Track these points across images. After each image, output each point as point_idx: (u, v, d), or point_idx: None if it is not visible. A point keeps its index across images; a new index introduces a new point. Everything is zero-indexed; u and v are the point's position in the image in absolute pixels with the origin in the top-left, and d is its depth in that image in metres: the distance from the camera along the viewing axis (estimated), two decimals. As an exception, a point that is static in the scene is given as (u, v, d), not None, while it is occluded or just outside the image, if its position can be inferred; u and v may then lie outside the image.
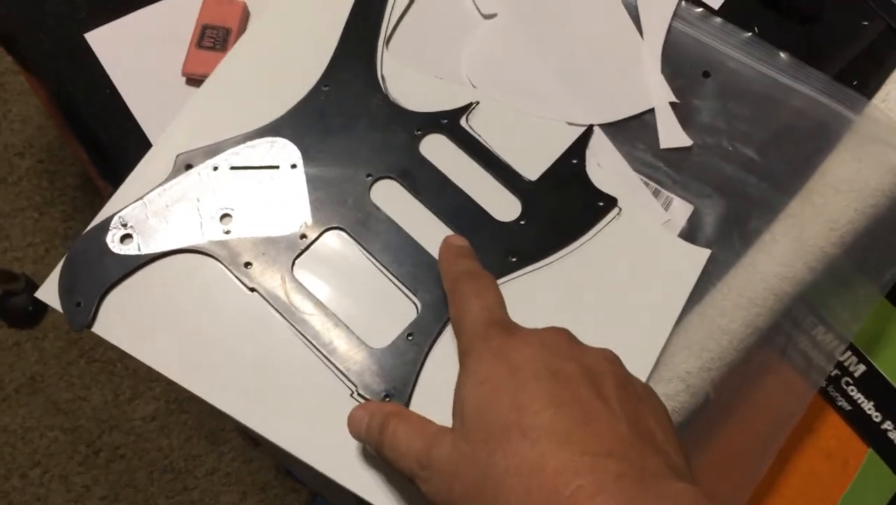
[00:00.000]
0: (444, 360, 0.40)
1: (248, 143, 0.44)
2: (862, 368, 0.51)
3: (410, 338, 0.41)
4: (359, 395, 0.39)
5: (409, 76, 0.46)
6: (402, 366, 0.40)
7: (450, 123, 0.45)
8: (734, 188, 0.45)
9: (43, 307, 1.21)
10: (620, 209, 0.44)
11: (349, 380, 0.39)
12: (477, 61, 0.47)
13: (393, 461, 0.35)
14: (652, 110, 0.46)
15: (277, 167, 0.43)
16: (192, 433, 1.16)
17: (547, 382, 0.31)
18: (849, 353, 0.52)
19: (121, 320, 0.40)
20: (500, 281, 0.41)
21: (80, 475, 1.14)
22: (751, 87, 0.47)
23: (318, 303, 0.41)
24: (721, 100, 0.47)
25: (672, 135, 0.46)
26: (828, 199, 0.45)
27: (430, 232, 0.43)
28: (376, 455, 0.36)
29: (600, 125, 0.46)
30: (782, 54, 0.48)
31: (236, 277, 0.41)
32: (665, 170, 0.45)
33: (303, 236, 0.42)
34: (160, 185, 0.42)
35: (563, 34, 0.48)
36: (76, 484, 1.14)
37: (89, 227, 0.42)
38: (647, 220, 0.44)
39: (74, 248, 0.41)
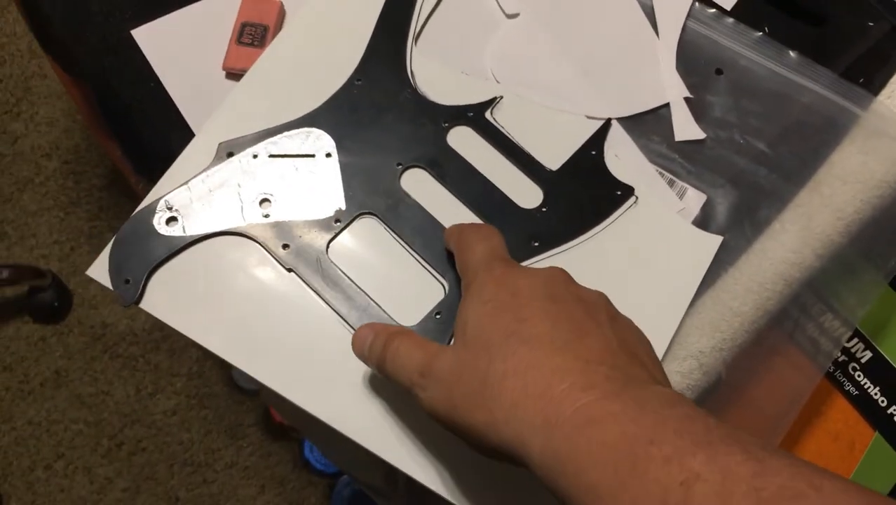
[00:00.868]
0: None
1: (286, 133, 0.46)
2: (868, 354, 0.53)
3: (438, 316, 0.43)
4: (390, 368, 0.42)
5: (436, 71, 0.48)
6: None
7: (475, 116, 0.47)
8: (746, 179, 0.48)
9: (68, 303, 1.24)
10: (637, 198, 0.46)
11: (381, 354, 0.42)
12: (500, 58, 0.50)
13: (393, 373, 0.36)
14: (667, 105, 0.49)
15: (313, 156, 0.46)
16: (211, 427, 1.18)
17: (546, 302, 0.34)
18: (855, 339, 0.54)
19: (166, 297, 0.43)
20: (522, 264, 0.44)
21: (103, 467, 1.17)
22: (762, 83, 0.50)
23: (350, 283, 0.43)
24: (733, 96, 0.49)
25: (686, 128, 0.48)
26: (835, 190, 0.47)
27: (456, 217, 0.45)
28: (377, 372, 0.38)
29: (618, 119, 0.48)
30: (792, 53, 0.50)
31: (275, 257, 0.44)
32: (680, 161, 0.48)
33: (337, 220, 0.44)
34: (203, 171, 0.45)
35: (583, 33, 0.50)
36: (99, 476, 1.16)
37: (137, 210, 0.44)
38: (663, 208, 0.46)
39: (123, 229, 0.44)
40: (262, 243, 0.44)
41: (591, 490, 0.28)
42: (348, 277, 0.43)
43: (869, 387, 0.53)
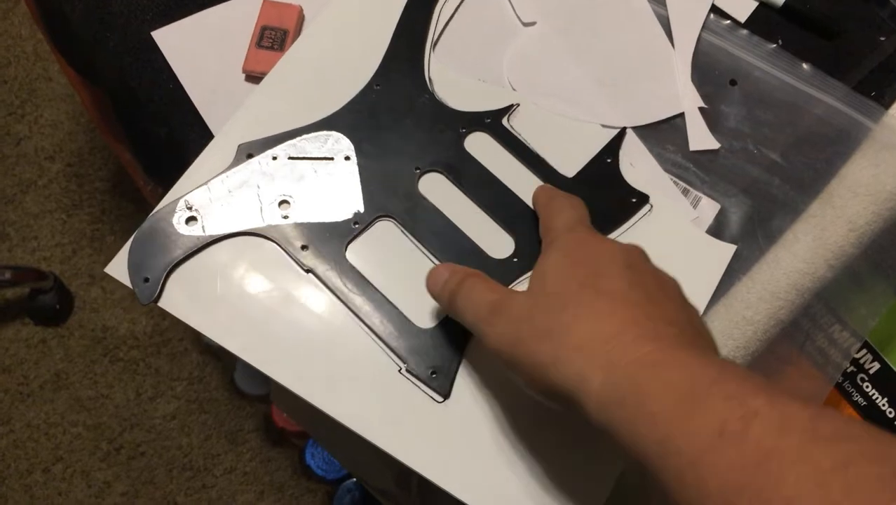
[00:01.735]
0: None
1: (305, 136, 0.47)
2: (876, 365, 0.53)
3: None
4: (407, 371, 0.42)
5: (454, 78, 0.49)
6: (448, 345, 0.43)
7: (493, 123, 0.48)
8: (759, 189, 0.48)
9: (69, 306, 1.24)
10: (652, 206, 0.47)
11: (398, 357, 0.42)
12: (517, 66, 0.50)
13: (463, 308, 0.38)
14: (682, 114, 0.49)
15: (332, 159, 0.46)
16: (211, 432, 1.18)
17: (623, 267, 0.35)
18: (864, 351, 0.54)
19: (185, 296, 0.43)
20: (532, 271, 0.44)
21: (102, 471, 1.16)
22: (775, 95, 0.50)
23: (368, 284, 0.44)
24: (747, 106, 0.50)
25: (701, 138, 0.49)
26: (847, 202, 0.48)
27: (473, 221, 0.45)
28: (447, 309, 0.39)
29: (633, 127, 0.49)
30: (805, 65, 0.51)
31: (293, 258, 0.44)
32: (694, 170, 0.48)
33: (355, 223, 0.45)
34: (223, 172, 0.45)
35: (599, 43, 0.51)
36: (97, 480, 1.16)
37: (157, 209, 0.45)
38: (677, 216, 0.47)
39: (143, 227, 0.44)
40: (281, 244, 0.44)
41: (650, 417, 0.29)
42: (366, 279, 0.44)
43: (877, 398, 0.53)
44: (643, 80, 0.50)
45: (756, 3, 0.53)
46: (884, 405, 0.53)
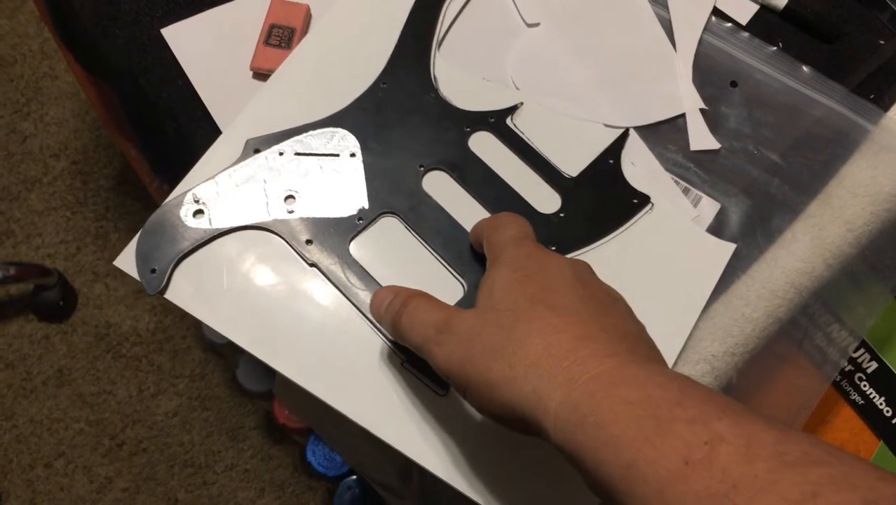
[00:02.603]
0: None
1: (312, 133, 0.47)
2: (874, 365, 0.54)
3: None
4: (408, 364, 0.42)
5: (459, 77, 0.50)
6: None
7: (496, 122, 0.48)
8: (758, 189, 0.49)
9: (73, 302, 1.25)
10: (653, 205, 0.47)
11: (399, 350, 0.43)
12: (521, 66, 0.51)
13: (408, 329, 0.36)
14: (683, 115, 0.50)
15: (338, 155, 0.47)
16: (212, 430, 1.19)
17: (572, 281, 0.35)
18: (862, 350, 0.55)
19: (191, 288, 0.44)
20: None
21: (103, 467, 1.17)
22: (775, 97, 0.51)
23: (371, 279, 0.44)
24: (747, 107, 0.51)
25: (701, 138, 0.49)
26: (845, 203, 0.49)
27: (476, 219, 0.46)
28: (391, 332, 0.38)
29: (635, 128, 0.49)
30: (805, 68, 0.51)
31: (298, 252, 0.44)
32: (695, 170, 0.49)
33: (360, 219, 0.45)
34: (230, 166, 0.46)
35: (602, 44, 0.52)
36: (99, 475, 1.17)
37: (165, 201, 0.45)
38: (678, 215, 0.47)
39: (150, 220, 0.45)
40: (286, 238, 0.45)
41: (612, 443, 0.28)
42: (369, 274, 0.44)
43: (874, 397, 0.54)
44: (645, 80, 0.51)
45: (757, 7, 0.54)
46: (881, 404, 0.54)
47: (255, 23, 0.51)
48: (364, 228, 0.45)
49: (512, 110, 0.49)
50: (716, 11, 0.53)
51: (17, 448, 1.18)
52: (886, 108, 0.51)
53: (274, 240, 0.45)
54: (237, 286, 0.44)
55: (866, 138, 0.50)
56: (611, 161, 0.48)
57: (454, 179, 0.47)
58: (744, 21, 0.53)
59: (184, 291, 0.44)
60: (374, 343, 0.43)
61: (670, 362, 0.44)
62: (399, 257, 0.45)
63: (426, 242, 0.45)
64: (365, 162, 0.47)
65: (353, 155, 0.47)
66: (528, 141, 0.48)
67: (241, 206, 0.45)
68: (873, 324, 0.50)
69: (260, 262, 0.44)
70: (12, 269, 1.15)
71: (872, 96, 0.51)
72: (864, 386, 0.54)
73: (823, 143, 0.50)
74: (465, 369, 0.33)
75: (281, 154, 0.47)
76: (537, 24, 0.52)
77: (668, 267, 0.46)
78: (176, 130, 0.52)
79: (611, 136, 0.49)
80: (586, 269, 0.37)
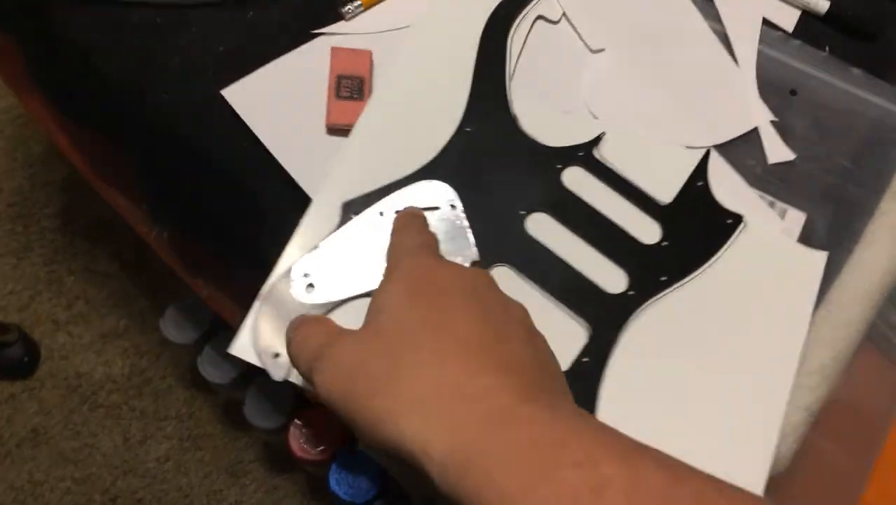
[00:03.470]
0: (620, 377, 0.43)
1: (407, 187, 0.45)
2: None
3: (585, 360, 0.44)
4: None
5: (538, 112, 0.49)
6: (582, 387, 0.43)
7: (585, 155, 0.48)
8: (835, 194, 0.50)
9: (36, 356, 1.17)
10: (745, 223, 0.48)
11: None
12: (594, 93, 0.50)
13: (295, 357, 0.35)
14: (754, 129, 0.51)
15: (438, 208, 0.45)
16: (210, 469, 1.14)
17: (469, 299, 0.33)
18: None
19: (315, 369, 0.42)
20: (648, 302, 0.45)
21: (98, 525, 1.11)
22: (833, 101, 0.52)
23: None
24: (811, 115, 0.52)
25: (777, 150, 0.50)
26: (913, 198, 0.51)
27: (584, 258, 0.46)
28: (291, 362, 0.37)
29: (714, 147, 0.50)
30: (855, 70, 0.53)
31: None
32: (775, 183, 0.50)
33: None
34: (331, 233, 0.44)
35: (667, 64, 0.52)
36: (95, 534, 1.11)
37: (272, 279, 0.43)
38: (770, 230, 0.48)
39: (263, 302, 0.42)
40: None
41: (497, 493, 0.26)
42: None
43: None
44: (714, 98, 0.51)
45: (799, 12, 0.55)
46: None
47: (317, 74, 0.48)
48: None
49: (597, 141, 0.49)
50: (764, 21, 0.54)
51: (0, 519, 1.10)
52: (937, 103, 0.53)
53: (389, 305, 0.43)
54: None
55: (923, 134, 0.52)
56: (699, 183, 0.49)
57: (555, 220, 0.46)
58: (790, 28, 0.54)
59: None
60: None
61: (788, 381, 0.45)
62: (518, 307, 0.44)
63: (542, 288, 0.45)
64: (466, 212, 0.46)
65: (453, 206, 0.46)
66: (618, 171, 0.48)
67: (350, 274, 0.43)
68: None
69: (384, 332, 0.43)
70: (-30, 330, 1.06)
71: (920, 92, 0.54)
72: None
73: (885, 142, 0.52)
74: (347, 402, 0.31)
75: (381, 214, 0.45)
76: (602, 50, 0.51)
77: (768, 284, 0.47)
78: (253, 190, 0.49)
79: (693, 158, 0.49)
80: (485, 282, 0.36)
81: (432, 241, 0.38)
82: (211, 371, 0.97)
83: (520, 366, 0.31)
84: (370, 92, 0.48)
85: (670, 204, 0.48)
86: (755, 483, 0.42)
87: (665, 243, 0.47)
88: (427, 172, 0.46)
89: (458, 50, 0.50)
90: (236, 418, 1.10)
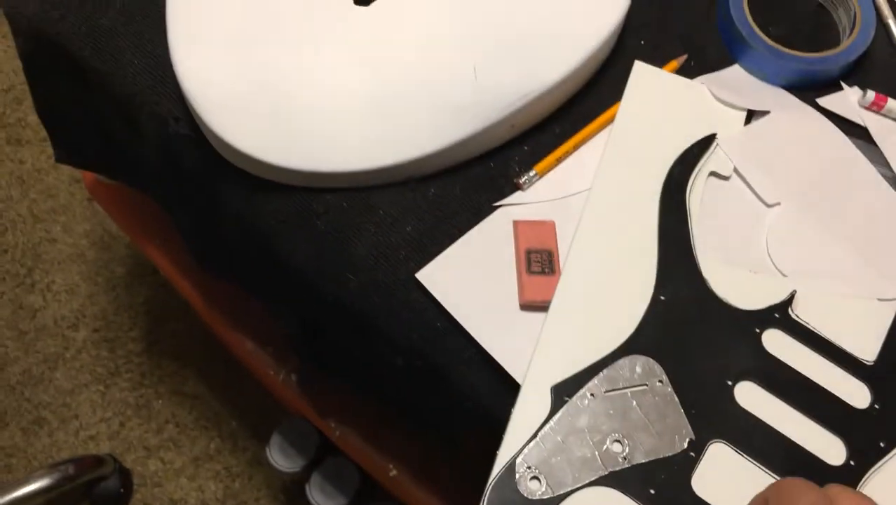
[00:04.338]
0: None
1: (612, 366, 0.45)
2: None
3: None
4: None
5: (728, 274, 0.48)
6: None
7: (781, 317, 0.47)
8: None
9: (130, 485, 1.16)
10: None
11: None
12: (778, 249, 0.50)
13: None
14: (941, 272, 0.50)
15: (646, 385, 0.45)
16: None
17: None
18: None
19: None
20: (871, 470, 0.44)
21: None
22: None
23: None
24: None
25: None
26: None
27: (795, 429, 0.45)
28: None
29: (904, 296, 0.49)
30: None
31: None
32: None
33: (691, 452, 0.43)
34: (546, 420, 0.43)
35: (844, 214, 0.51)
36: None
37: (495, 475, 0.42)
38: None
39: (489, 499, 0.41)
40: (629, 492, 0.42)
41: None
42: None
43: None
44: (894, 244, 0.51)
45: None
46: None
47: (501, 248, 0.48)
48: (697, 462, 0.43)
49: (790, 301, 0.48)
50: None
51: None
52: None
53: (612, 495, 0.42)
54: None
55: None
56: None
57: (764, 389, 0.45)
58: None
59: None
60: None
61: None
62: (741, 489, 0.43)
63: (763, 465, 0.44)
64: (674, 388, 0.45)
65: (660, 382, 0.45)
66: (817, 331, 0.47)
67: (573, 463, 0.42)
68: None
69: (611, 524, 0.42)
70: (70, 467, 1.06)
71: None
72: None
73: None
74: None
75: (592, 395, 0.44)
76: (778, 204, 0.51)
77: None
78: (458, 374, 0.48)
79: (889, 311, 0.49)
80: None
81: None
82: (321, 499, 0.96)
83: None
84: (559, 264, 0.48)
85: (875, 362, 0.47)
86: None
87: (877, 406, 0.46)
88: (629, 347, 0.46)
89: (639, 214, 0.50)
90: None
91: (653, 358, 0.45)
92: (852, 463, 0.44)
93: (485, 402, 0.46)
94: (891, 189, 0.52)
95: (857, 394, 0.46)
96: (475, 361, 0.47)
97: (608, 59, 0.56)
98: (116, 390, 1.23)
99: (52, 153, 1.41)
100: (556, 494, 0.42)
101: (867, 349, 0.47)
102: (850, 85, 0.56)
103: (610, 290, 0.47)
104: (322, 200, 0.49)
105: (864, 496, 0.34)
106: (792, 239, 0.50)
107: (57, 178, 1.40)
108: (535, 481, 0.42)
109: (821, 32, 0.59)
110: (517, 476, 0.42)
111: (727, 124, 0.54)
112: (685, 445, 0.43)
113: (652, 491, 0.42)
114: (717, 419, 0.44)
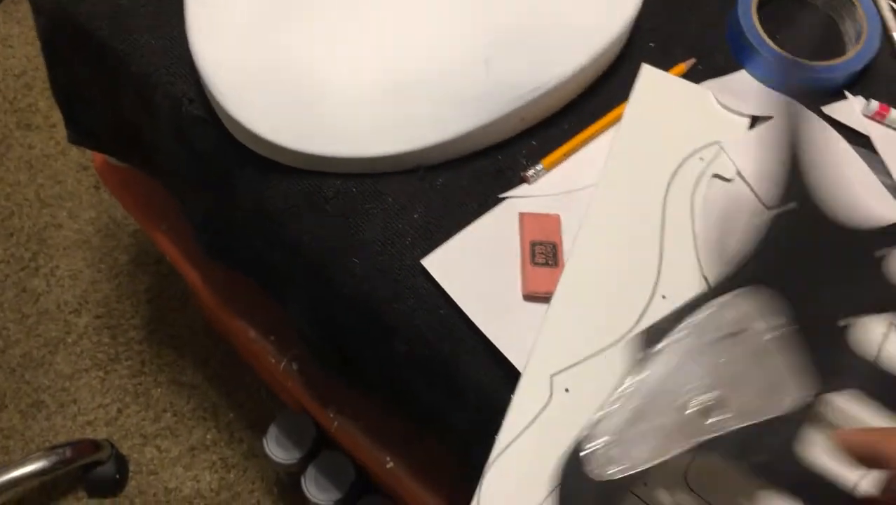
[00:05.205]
0: None
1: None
2: None
3: None
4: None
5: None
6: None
7: None
8: None
9: (126, 472, 1.16)
10: None
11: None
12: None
13: None
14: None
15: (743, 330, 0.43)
16: (301, 589, 1.12)
17: None
18: None
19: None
20: None
21: None
22: None
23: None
24: None
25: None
26: None
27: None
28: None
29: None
30: None
31: None
32: None
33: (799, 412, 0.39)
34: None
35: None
36: None
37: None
38: None
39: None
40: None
41: None
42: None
43: None
44: None
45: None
46: None
47: (506, 238, 0.49)
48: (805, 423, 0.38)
49: None
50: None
51: None
52: None
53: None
54: None
55: None
56: None
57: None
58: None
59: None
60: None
61: None
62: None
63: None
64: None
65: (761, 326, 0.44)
66: None
67: (652, 433, 0.41)
68: None
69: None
70: (67, 450, 1.06)
71: None
72: None
73: None
74: None
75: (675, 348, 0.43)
76: (778, 206, 0.52)
77: None
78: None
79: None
80: None
81: None
82: (315, 492, 0.96)
83: None
84: (563, 257, 0.49)
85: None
86: None
87: None
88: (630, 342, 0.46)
89: (644, 212, 0.50)
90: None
91: (754, 297, 0.41)
92: None
93: (485, 388, 0.47)
94: (892, 198, 0.53)
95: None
96: (477, 348, 0.48)
97: (617, 60, 0.56)
98: (116, 377, 1.24)
99: (60, 139, 1.42)
100: (634, 472, 0.39)
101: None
102: (855, 94, 0.57)
103: (612, 283, 0.48)
104: (332, 185, 0.50)
105: None
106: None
107: (65, 164, 1.41)
108: (608, 459, 0.40)
109: (827, 42, 0.60)
110: (586, 454, 0.40)
111: (731, 129, 0.55)
112: (793, 404, 0.38)
113: (753, 461, 0.39)
114: (832, 369, 0.39)
